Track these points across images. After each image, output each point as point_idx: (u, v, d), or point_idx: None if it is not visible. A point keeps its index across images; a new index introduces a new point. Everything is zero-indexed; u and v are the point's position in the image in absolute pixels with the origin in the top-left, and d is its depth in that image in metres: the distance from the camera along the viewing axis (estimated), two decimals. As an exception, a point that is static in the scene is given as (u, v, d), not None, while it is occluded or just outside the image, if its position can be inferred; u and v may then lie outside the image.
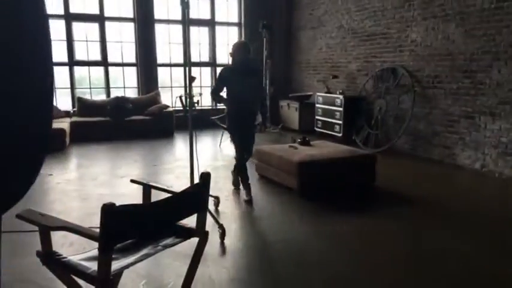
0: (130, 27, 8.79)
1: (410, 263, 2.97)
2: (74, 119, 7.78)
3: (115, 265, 1.42)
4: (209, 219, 3.45)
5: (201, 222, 1.73)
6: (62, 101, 8.52)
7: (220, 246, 3.20)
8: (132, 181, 2.14)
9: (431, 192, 4.67)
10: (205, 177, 1.67)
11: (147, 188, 1.94)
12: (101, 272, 1.30)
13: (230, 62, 4.45)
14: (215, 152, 6.83)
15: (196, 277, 2.75)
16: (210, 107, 9.59)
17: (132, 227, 1.38)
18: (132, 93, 9.00)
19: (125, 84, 8.99)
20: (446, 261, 2.98)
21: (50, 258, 1.48)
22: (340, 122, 7.44)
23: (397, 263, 2.96)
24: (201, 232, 1.73)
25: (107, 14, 8.51)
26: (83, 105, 8.10)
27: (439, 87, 5.97)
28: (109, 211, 1.25)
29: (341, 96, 7.43)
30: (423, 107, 6.25)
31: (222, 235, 3.26)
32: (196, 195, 1.65)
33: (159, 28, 8.93)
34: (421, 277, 2.75)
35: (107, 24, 8.56)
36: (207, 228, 3.47)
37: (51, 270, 1.52)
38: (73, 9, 8.25)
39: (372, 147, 6.76)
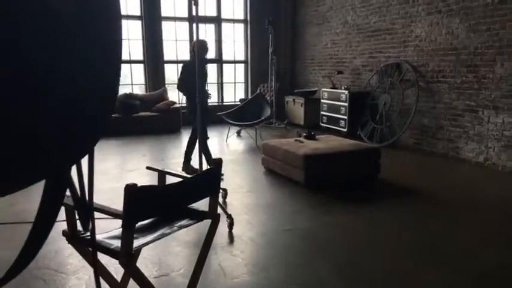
0: (137, 24, 8.91)
1: (415, 251, 3.06)
2: (83, 115, 7.91)
3: (135, 243, 1.54)
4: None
5: (214, 205, 1.84)
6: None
7: (228, 235, 3.31)
8: (148, 168, 2.26)
9: (435, 184, 4.75)
10: (217, 162, 1.78)
11: (161, 175, 2.05)
12: (123, 246, 1.41)
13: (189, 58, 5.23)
14: (222, 146, 6.94)
15: (206, 264, 2.88)
16: (217, 103, 9.71)
17: (151, 207, 1.50)
18: (139, 90, 9.14)
19: (133, 81, 9.13)
20: (449, 250, 3.08)
21: (76, 236, 1.60)
22: (345, 117, 7.52)
23: (402, 252, 3.06)
24: (213, 214, 1.83)
25: (114, 12, 8.62)
26: (91, 102, 8.23)
27: (443, 82, 6.03)
28: (131, 190, 1.36)
29: (346, 92, 7.51)
30: (427, 101, 6.32)
31: (231, 225, 3.37)
32: (209, 180, 1.76)
33: (165, 25, 9.04)
34: (425, 265, 2.84)
35: (115, 22, 8.67)
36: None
37: (76, 249, 1.64)
38: (81, 8, 8.37)
39: (377, 142, 6.85)
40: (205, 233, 3.36)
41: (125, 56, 8.90)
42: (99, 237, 1.58)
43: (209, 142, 5.20)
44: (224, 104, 9.69)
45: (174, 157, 6.20)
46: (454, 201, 4.18)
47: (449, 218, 3.73)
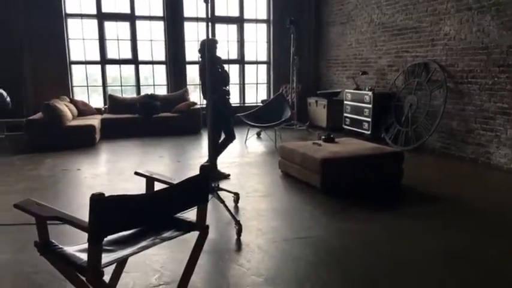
0: (160, 25, 8.90)
1: (437, 263, 2.82)
2: (105, 116, 7.97)
3: (110, 257, 1.41)
4: (227, 215, 3.45)
5: (201, 215, 1.69)
6: (94, 98, 8.77)
7: (236, 242, 3.16)
8: (136, 173, 2.14)
9: (462, 192, 4.45)
10: (205, 169, 1.64)
11: (149, 180, 1.92)
12: (90, 263, 1.28)
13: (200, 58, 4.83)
14: (241, 148, 6.80)
15: (210, 273, 2.74)
16: (239, 104, 9.60)
17: (123, 219, 1.36)
18: (162, 90, 9.13)
19: (155, 82, 9.14)
20: (473, 262, 2.82)
21: (47, 248, 1.49)
22: (369, 119, 7.24)
23: (425, 265, 2.81)
24: (201, 226, 1.69)
25: (137, 13, 8.66)
26: (113, 103, 8.29)
27: (473, 83, 5.69)
28: (98, 202, 1.23)
29: (370, 93, 7.24)
30: (456, 103, 5.98)
31: (239, 231, 3.22)
32: (195, 188, 1.61)
33: (188, 26, 8.99)
34: (448, 277, 2.61)
35: (138, 23, 8.71)
36: (225, 224, 3.47)
37: (49, 260, 1.53)
38: (105, 9, 8.45)
39: (402, 145, 6.55)
40: (214, 237, 3.25)
41: (147, 57, 8.92)
42: (70, 249, 1.47)
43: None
44: (246, 105, 9.56)
45: (191, 158, 6.11)
46: (483, 210, 3.88)
47: (477, 228, 3.45)
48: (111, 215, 1.29)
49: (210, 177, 1.66)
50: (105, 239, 1.39)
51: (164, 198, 1.50)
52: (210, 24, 3.56)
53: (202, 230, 1.69)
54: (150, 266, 2.74)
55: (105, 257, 1.36)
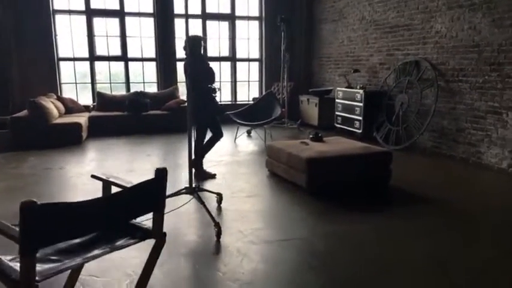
0: (149, 22, 8.77)
1: (429, 268, 2.73)
2: (93, 113, 7.84)
3: (53, 269, 1.30)
4: (207, 217, 3.35)
5: (158, 222, 1.59)
6: (83, 95, 8.63)
7: (215, 245, 3.07)
8: (93, 176, 2.03)
9: (452, 192, 4.36)
10: (160, 173, 1.53)
11: (106, 184, 1.82)
12: (23, 276, 1.18)
13: (185, 55, 4.74)
14: (230, 147, 6.70)
15: (183, 277, 2.65)
16: (230, 102, 9.49)
17: (59, 228, 1.26)
18: (152, 88, 9.01)
19: (145, 79, 9.01)
20: (462, 264, 2.74)
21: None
22: (360, 118, 7.15)
23: (413, 268, 2.73)
24: (157, 233, 1.58)
25: (126, 9, 8.53)
26: (102, 100, 8.17)
27: (464, 81, 5.60)
28: (29, 210, 1.13)
29: (361, 91, 7.14)
30: (447, 102, 5.90)
31: (218, 234, 3.13)
32: (149, 193, 1.51)
33: (178, 23, 8.86)
34: (437, 281, 2.53)
35: (127, 19, 8.58)
36: (205, 226, 3.37)
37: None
38: (94, 5, 8.31)
39: (393, 144, 6.46)
40: (193, 240, 3.16)
41: (137, 54, 8.79)
42: (6, 259, 1.36)
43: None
44: (237, 102, 9.46)
45: (179, 157, 6.01)
46: (474, 211, 3.80)
47: (468, 230, 3.37)
48: (45, 224, 1.18)
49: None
50: (52, 248, 1.29)
51: (110, 204, 1.39)
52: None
53: (159, 238, 1.59)
54: (121, 271, 2.64)
55: (48, 268, 1.26)
